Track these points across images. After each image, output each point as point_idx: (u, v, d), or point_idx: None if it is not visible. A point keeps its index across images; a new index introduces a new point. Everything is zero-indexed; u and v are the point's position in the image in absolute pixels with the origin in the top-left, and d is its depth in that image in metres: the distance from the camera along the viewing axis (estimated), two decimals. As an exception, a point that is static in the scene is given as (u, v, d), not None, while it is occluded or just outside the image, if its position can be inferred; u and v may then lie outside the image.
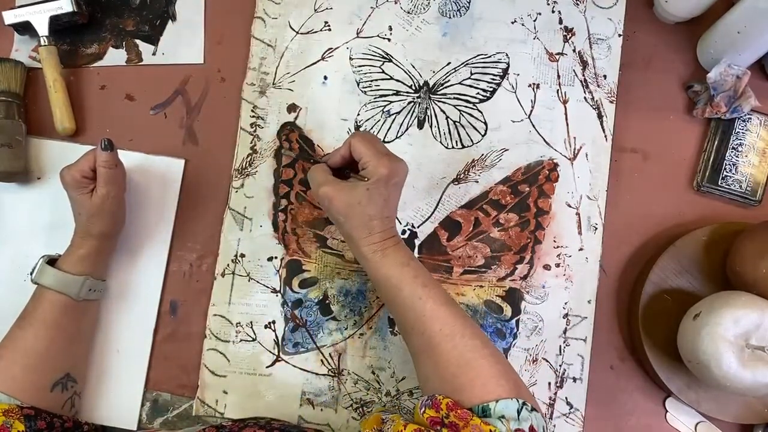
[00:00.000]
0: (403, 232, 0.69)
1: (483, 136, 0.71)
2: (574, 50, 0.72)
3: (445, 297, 0.55)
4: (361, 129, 0.71)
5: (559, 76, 0.71)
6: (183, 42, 0.73)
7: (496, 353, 0.52)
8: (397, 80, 0.72)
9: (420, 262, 0.57)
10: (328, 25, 0.72)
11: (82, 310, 0.63)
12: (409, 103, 0.71)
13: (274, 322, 0.68)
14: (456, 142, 0.71)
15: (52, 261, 0.62)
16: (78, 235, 0.63)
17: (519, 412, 0.48)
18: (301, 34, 0.73)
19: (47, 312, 0.61)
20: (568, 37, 0.72)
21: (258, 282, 0.69)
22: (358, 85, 0.72)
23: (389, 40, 0.72)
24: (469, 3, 0.73)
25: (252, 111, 0.71)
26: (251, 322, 0.68)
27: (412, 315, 0.54)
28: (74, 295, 0.62)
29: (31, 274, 0.61)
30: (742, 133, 0.70)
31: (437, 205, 0.70)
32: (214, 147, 0.71)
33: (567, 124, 0.71)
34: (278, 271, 0.69)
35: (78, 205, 0.62)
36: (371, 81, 0.72)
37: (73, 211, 0.63)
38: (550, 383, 0.67)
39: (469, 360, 0.51)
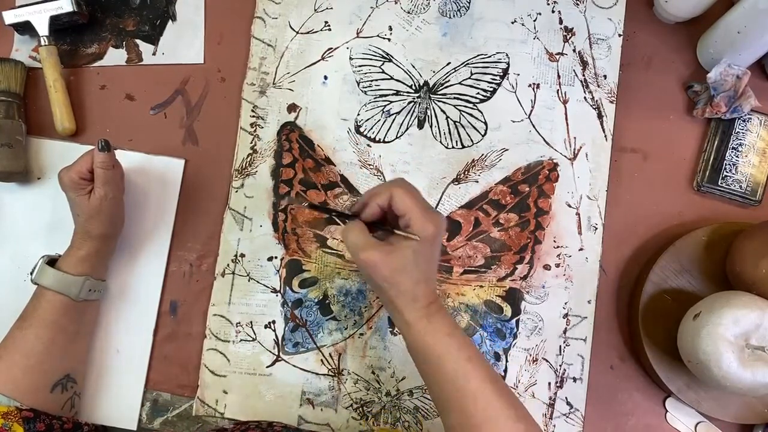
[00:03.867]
0: (403, 232, 0.69)
1: (483, 136, 0.71)
2: (574, 50, 0.72)
3: (490, 373, 0.50)
4: (396, 176, 0.67)
5: (559, 76, 0.71)
6: (183, 42, 0.73)
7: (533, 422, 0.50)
8: (397, 80, 0.72)
9: (461, 330, 0.53)
10: (328, 25, 0.72)
11: (81, 310, 0.64)
12: (409, 103, 0.71)
13: (274, 322, 0.68)
14: (456, 142, 0.71)
15: (52, 261, 0.62)
16: (77, 236, 0.63)
17: None
18: (301, 34, 0.73)
19: (47, 312, 0.61)
20: (568, 37, 0.72)
21: (258, 282, 0.69)
22: (358, 85, 0.72)
23: (389, 40, 0.72)
24: (469, 3, 0.73)
25: (252, 111, 0.71)
26: (251, 322, 0.68)
27: (452, 390, 0.50)
28: (74, 295, 0.62)
29: (31, 274, 0.62)
30: (742, 133, 0.70)
31: (437, 205, 0.70)
32: (214, 147, 0.71)
33: (567, 124, 0.71)
34: (278, 271, 0.69)
35: (76, 207, 0.62)
36: (371, 81, 0.72)
37: (72, 213, 0.63)
38: (550, 383, 0.67)
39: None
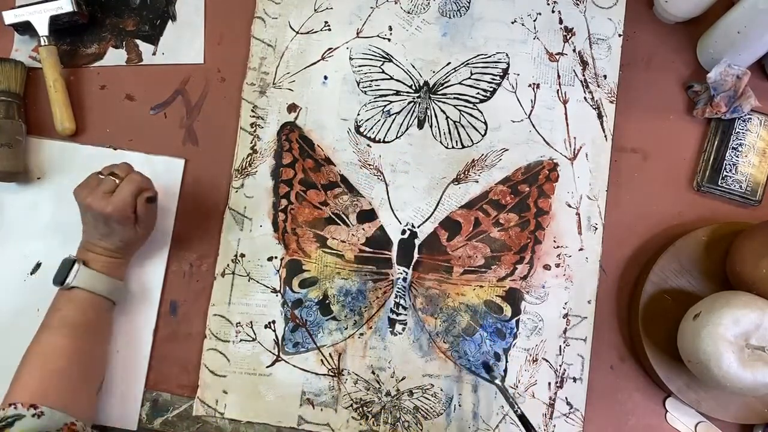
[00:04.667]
0: (403, 231, 0.69)
1: (483, 136, 0.71)
2: (574, 50, 0.72)
3: None
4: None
5: (559, 76, 0.71)
6: (183, 42, 0.73)
7: None
8: (397, 80, 0.72)
9: None
10: (328, 25, 0.72)
11: (112, 312, 0.65)
12: (409, 103, 0.71)
13: (274, 322, 0.68)
14: (456, 142, 0.71)
15: (71, 262, 0.61)
16: (112, 247, 0.63)
17: None
18: (301, 34, 0.73)
19: (91, 317, 0.61)
20: (568, 37, 0.72)
21: (258, 282, 0.69)
22: (358, 85, 0.72)
23: (389, 40, 0.72)
24: (469, 3, 0.73)
25: (252, 111, 0.71)
26: (251, 322, 0.68)
27: None
28: (115, 297, 0.63)
29: (62, 282, 0.60)
30: (742, 133, 0.70)
31: (437, 205, 0.70)
32: (214, 147, 0.71)
33: (567, 124, 0.71)
34: (278, 271, 0.69)
35: (118, 235, 0.62)
36: (371, 81, 0.72)
37: (101, 232, 0.62)
38: (550, 383, 0.67)
39: None
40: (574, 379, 0.67)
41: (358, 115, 0.71)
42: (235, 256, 0.69)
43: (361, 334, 0.68)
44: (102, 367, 0.64)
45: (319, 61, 0.72)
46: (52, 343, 0.59)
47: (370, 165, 0.70)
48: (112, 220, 0.60)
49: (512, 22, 0.72)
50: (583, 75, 0.71)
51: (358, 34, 0.72)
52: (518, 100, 0.71)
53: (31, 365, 0.57)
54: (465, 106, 0.71)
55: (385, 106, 0.71)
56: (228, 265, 0.69)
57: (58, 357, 0.58)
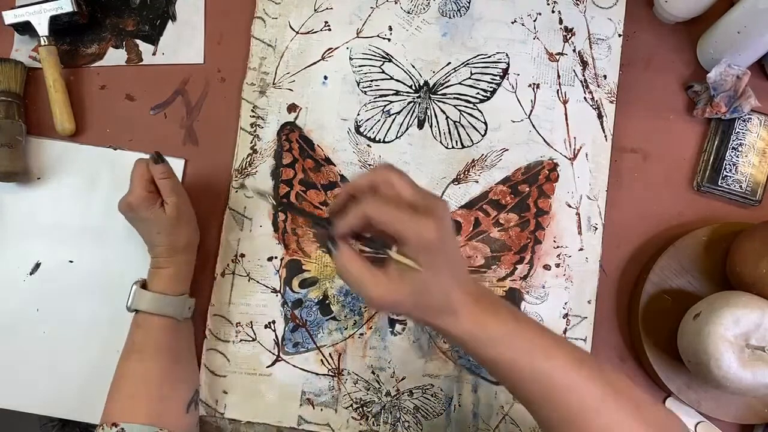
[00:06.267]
0: (403, 232, 0.69)
1: (483, 136, 0.71)
2: (574, 50, 0.72)
3: (576, 357, 0.43)
4: (372, 167, 0.58)
5: (559, 76, 0.71)
6: (183, 42, 0.73)
7: (653, 411, 0.45)
8: (397, 80, 0.72)
9: (528, 318, 0.46)
10: (328, 25, 0.72)
11: (187, 327, 0.65)
12: (409, 103, 0.71)
13: (274, 322, 0.68)
14: (456, 142, 0.71)
15: (142, 286, 0.61)
16: (162, 255, 0.62)
17: None
18: (301, 34, 0.73)
19: (161, 338, 0.60)
20: (568, 37, 0.72)
21: (258, 282, 0.69)
22: (358, 85, 0.72)
23: (389, 40, 0.72)
24: (469, 3, 0.73)
25: (252, 111, 0.71)
26: (251, 322, 0.68)
27: (537, 389, 0.43)
28: (179, 315, 0.62)
29: (127, 306, 0.60)
30: (742, 133, 0.70)
31: (437, 205, 0.70)
32: (214, 147, 0.71)
33: (567, 124, 0.71)
34: (278, 271, 0.69)
35: (155, 223, 0.61)
36: (371, 81, 0.72)
37: (149, 235, 0.62)
38: (550, 383, 0.67)
39: (623, 422, 0.42)
40: (574, 379, 0.67)
41: (358, 115, 0.71)
42: (235, 256, 0.69)
43: (361, 334, 0.68)
44: (184, 384, 0.62)
45: (319, 61, 0.72)
46: (125, 368, 0.60)
47: (370, 165, 0.70)
48: (140, 210, 0.60)
49: (512, 22, 0.72)
50: (583, 75, 0.71)
51: (358, 34, 0.73)
52: (518, 100, 0.71)
53: (111, 391, 0.59)
54: (465, 106, 0.71)
55: (385, 106, 0.71)
56: (228, 265, 0.69)
57: (133, 382, 0.59)
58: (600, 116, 0.71)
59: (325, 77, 0.72)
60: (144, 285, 0.62)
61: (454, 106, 0.71)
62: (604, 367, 0.44)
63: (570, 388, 0.42)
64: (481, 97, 0.71)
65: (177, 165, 0.71)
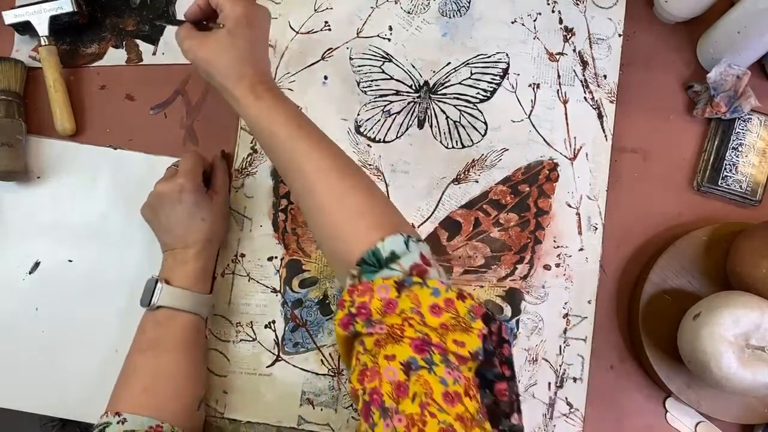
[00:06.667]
0: (403, 232, 0.69)
1: (483, 136, 0.71)
2: (574, 50, 0.72)
3: (320, 135, 0.54)
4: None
5: (559, 76, 0.71)
6: (183, 42, 0.73)
7: (373, 188, 0.52)
8: (397, 80, 0.72)
9: (296, 106, 0.56)
10: (328, 25, 0.72)
11: (204, 326, 0.65)
12: (409, 103, 0.71)
13: (274, 321, 0.68)
14: (456, 142, 0.71)
15: (154, 282, 0.61)
16: (196, 247, 0.62)
17: (407, 244, 0.47)
18: (301, 34, 0.73)
19: (182, 335, 0.60)
20: (568, 37, 0.72)
21: (258, 282, 0.69)
22: (358, 85, 0.72)
23: (389, 40, 0.72)
24: (469, 3, 0.73)
25: (252, 111, 0.71)
26: (251, 322, 0.68)
27: (288, 157, 0.52)
28: (204, 313, 0.62)
29: (148, 303, 0.60)
30: (742, 133, 0.70)
31: (437, 205, 0.70)
32: (214, 147, 0.71)
33: (567, 124, 0.71)
34: (278, 271, 0.69)
35: (199, 211, 0.62)
36: (371, 81, 0.72)
37: (188, 222, 0.62)
38: (550, 383, 0.67)
39: (345, 195, 0.50)
40: (574, 379, 0.67)
41: (358, 115, 0.71)
42: (235, 256, 0.69)
43: (361, 334, 0.68)
44: (197, 382, 0.62)
45: (319, 61, 0.72)
46: (139, 362, 0.59)
47: (370, 165, 0.70)
48: (192, 194, 0.61)
49: (512, 22, 0.72)
50: (583, 75, 0.71)
51: (358, 34, 0.73)
52: (518, 100, 0.71)
53: (121, 382, 0.59)
54: (465, 106, 0.71)
55: (385, 106, 0.71)
56: (228, 265, 0.69)
57: (146, 376, 0.58)
58: (600, 116, 0.71)
59: (325, 77, 0.72)
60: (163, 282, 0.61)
61: (455, 105, 0.71)
62: (344, 156, 0.54)
63: (308, 157, 0.52)
64: (481, 97, 0.71)
65: (177, 165, 0.71)
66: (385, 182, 0.70)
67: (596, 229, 0.69)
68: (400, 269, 0.46)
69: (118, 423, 0.55)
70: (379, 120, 0.71)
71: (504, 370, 0.45)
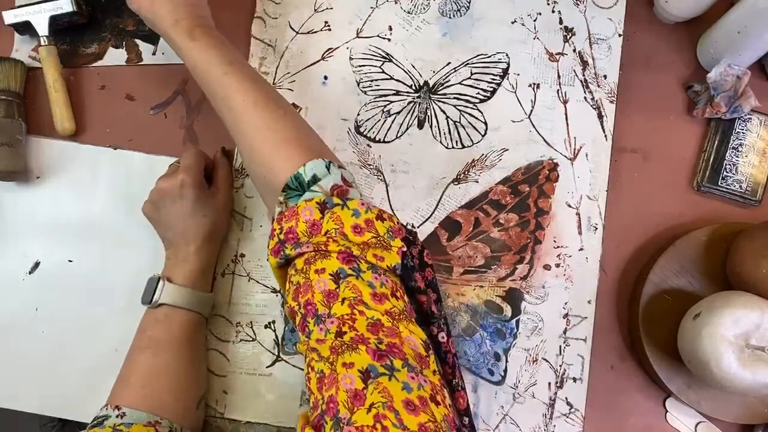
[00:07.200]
0: (403, 232, 0.69)
1: (483, 136, 0.71)
2: (574, 50, 0.72)
3: (251, 72, 0.56)
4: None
5: (559, 76, 0.71)
6: (183, 42, 0.73)
7: (298, 119, 0.55)
8: (397, 80, 0.72)
9: (232, 46, 0.58)
10: (328, 25, 0.72)
11: (205, 324, 0.65)
12: (409, 103, 0.71)
13: (274, 322, 0.68)
14: (456, 142, 0.71)
15: (156, 280, 0.61)
16: (195, 244, 0.62)
17: (328, 168, 0.50)
18: (301, 34, 0.73)
19: (183, 333, 0.60)
20: (568, 37, 0.72)
21: (258, 282, 0.69)
22: (358, 85, 0.72)
23: (389, 40, 0.72)
24: (469, 3, 0.73)
25: (252, 111, 0.71)
26: (251, 322, 0.68)
27: (219, 91, 0.55)
28: (205, 312, 0.63)
29: (149, 300, 0.60)
30: (742, 133, 0.70)
31: (437, 205, 0.70)
32: (214, 147, 0.71)
33: (567, 124, 0.71)
34: (278, 271, 0.69)
35: (202, 207, 0.62)
36: (371, 81, 0.72)
37: (190, 220, 0.62)
38: (550, 383, 0.67)
39: (270, 125, 0.52)
40: (574, 379, 0.67)
41: (358, 115, 0.71)
42: (235, 256, 0.69)
43: (361, 334, 0.68)
44: (197, 381, 0.63)
45: (319, 61, 0.72)
46: (138, 360, 0.59)
47: (370, 165, 0.70)
48: (193, 189, 0.61)
49: (512, 22, 0.72)
50: (583, 75, 0.71)
51: (358, 34, 0.73)
52: (518, 100, 0.71)
53: (121, 379, 0.59)
54: (465, 106, 0.71)
55: (385, 106, 0.71)
56: (228, 265, 0.69)
57: (146, 373, 0.58)
58: (600, 116, 0.71)
59: (325, 77, 0.72)
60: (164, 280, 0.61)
61: (455, 106, 0.71)
62: (272, 91, 0.57)
63: (237, 90, 0.54)
64: (481, 97, 0.71)
65: (177, 165, 0.71)
66: (385, 182, 0.70)
67: (596, 229, 0.69)
68: (321, 190, 0.48)
69: (117, 416, 0.55)
70: (379, 120, 0.71)
71: (429, 293, 0.48)
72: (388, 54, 0.72)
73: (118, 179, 0.71)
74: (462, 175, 0.70)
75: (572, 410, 0.67)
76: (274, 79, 0.71)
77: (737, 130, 0.70)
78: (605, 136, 0.71)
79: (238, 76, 0.55)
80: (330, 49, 0.72)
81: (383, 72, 0.72)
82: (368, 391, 0.38)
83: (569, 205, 0.70)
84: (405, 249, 0.46)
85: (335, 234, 0.46)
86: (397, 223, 0.48)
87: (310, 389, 0.41)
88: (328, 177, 0.49)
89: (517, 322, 0.68)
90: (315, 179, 0.49)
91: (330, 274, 0.44)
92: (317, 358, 0.41)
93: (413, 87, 0.72)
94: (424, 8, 0.73)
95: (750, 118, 0.70)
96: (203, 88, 0.58)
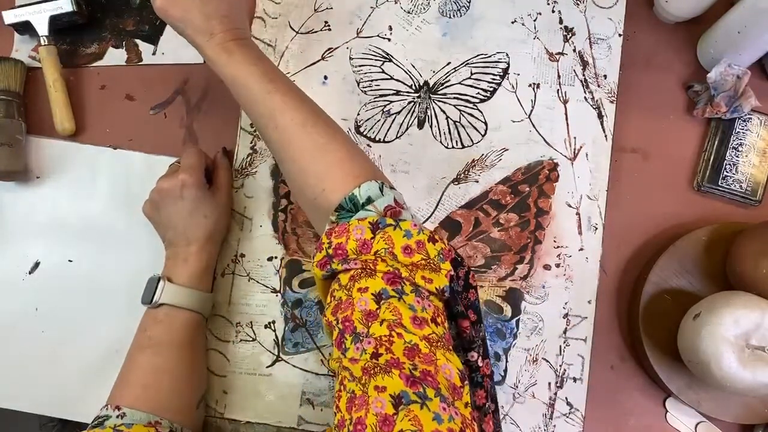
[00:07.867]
0: (403, 232, 0.69)
1: (483, 136, 0.71)
2: (574, 50, 0.72)
3: (294, 88, 0.55)
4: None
5: (559, 76, 0.71)
6: (183, 42, 0.72)
7: (348, 139, 0.54)
8: (397, 80, 0.72)
9: (270, 61, 0.57)
10: (328, 25, 0.72)
11: (205, 324, 0.65)
12: (409, 102, 0.71)
13: (274, 322, 0.68)
14: (456, 142, 0.71)
15: (154, 279, 0.61)
16: (195, 244, 0.62)
17: (381, 190, 0.49)
18: (301, 34, 0.73)
19: (184, 333, 0.61)
20: (568, 37, 0.72)
21: (258, 282, 0.69)
22: (358, 85, 0.72)
23: (389, 40, 0.72)
24: (469, 3, 0.73)
25: (252, 111, 0.71)
26: (251, 322, 0.68)
27: (264, 110, 0.53)
28: (206, 312, 0.63)
29: (149, 300, 0.60)
30: (743, 133, 0.70)
31: (437, 205, 0.70)
32: (214, 147, 0.71)
33: (567, 124, 0.71)
34: (278, 271, 0.69)
35: (202, 207, 0.62)
36: (371, 81, 0.72)
37: (190, 220, 0.62)
38: (550, 383, 0.67)
39: (322, 146, 0.52)
40: (574, 379, 0.67)
41: (358, 115, 0.71)
42: (235, 256, 0.69)
43: (361, 334, 0.68)
44: (197, 381, 0.63)
45: (319, 61, 0.72)
46: (139, 360, 0.59)
47: (370, 165, 0.70)
48: (193, 189, 0.61)
49: (512, 22, 0.72)
50: (584, 75, 0.71)
51: (358, 33, 0.73)
52: (518, 100, 0.71)
53: (121, 379, 0.59)
54: (465, 106, 0.71)
55: (385, 106, 0.71)
56: (228, 265, 0.69)
57: (146, 373, 0.59)
58: (600, 116, 0.71)
59: (325, 77, 0.72)
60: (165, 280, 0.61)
61: (455, 105, 0.71)
62: (317, 108, 0.55)
63: (283, 109, 0.53)
64: (482, 97, 0.71)
65: (177, 165, 0.71)
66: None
67: (596, 229, 0.69)
68: (374, 210, 0.48)
69: (117, 417, 0.55)
70: (379, 120, 0.71)
71: (470, 314, 0.47)
72: (388, 54, 0.72)
73: (118, 179, 0.71)
74: (462, 175, 0.70)
75: (572, 410, 0.67)
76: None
77: (737, 129, 0.70)
78: (605, 136, 0.71)
79: (283, 94, 0.53)
80: (330, 48, 0.72)
81: (383, 72, 0.72)
82: (398, 417, 0.37)
83: (569, 205, 0.70)
84: (453, 273, 0.46)
85: (384, 254, 0.45)
86: (447, 245, 0.47)
87: (338, 407, 0.41)
88: (381, 198, 0.49)
89: (517, 322, 0.68)
90: (369, 201, 0.48)
91: (372, 294, 0.44)
92: (350, 377, 0.41)
93: (413, 87, 0.72)
94: (424, 8, 0.73)
95: (750, 118, 0.70)
96: (242, 104, 0.56)
